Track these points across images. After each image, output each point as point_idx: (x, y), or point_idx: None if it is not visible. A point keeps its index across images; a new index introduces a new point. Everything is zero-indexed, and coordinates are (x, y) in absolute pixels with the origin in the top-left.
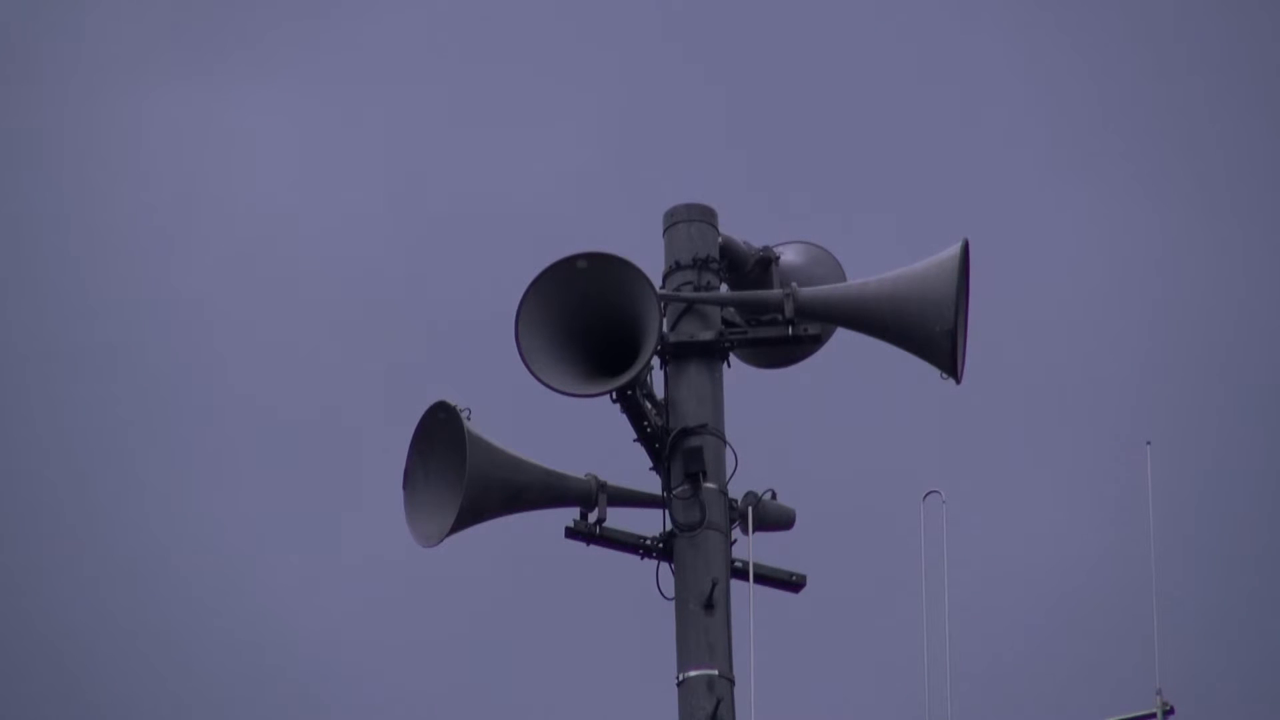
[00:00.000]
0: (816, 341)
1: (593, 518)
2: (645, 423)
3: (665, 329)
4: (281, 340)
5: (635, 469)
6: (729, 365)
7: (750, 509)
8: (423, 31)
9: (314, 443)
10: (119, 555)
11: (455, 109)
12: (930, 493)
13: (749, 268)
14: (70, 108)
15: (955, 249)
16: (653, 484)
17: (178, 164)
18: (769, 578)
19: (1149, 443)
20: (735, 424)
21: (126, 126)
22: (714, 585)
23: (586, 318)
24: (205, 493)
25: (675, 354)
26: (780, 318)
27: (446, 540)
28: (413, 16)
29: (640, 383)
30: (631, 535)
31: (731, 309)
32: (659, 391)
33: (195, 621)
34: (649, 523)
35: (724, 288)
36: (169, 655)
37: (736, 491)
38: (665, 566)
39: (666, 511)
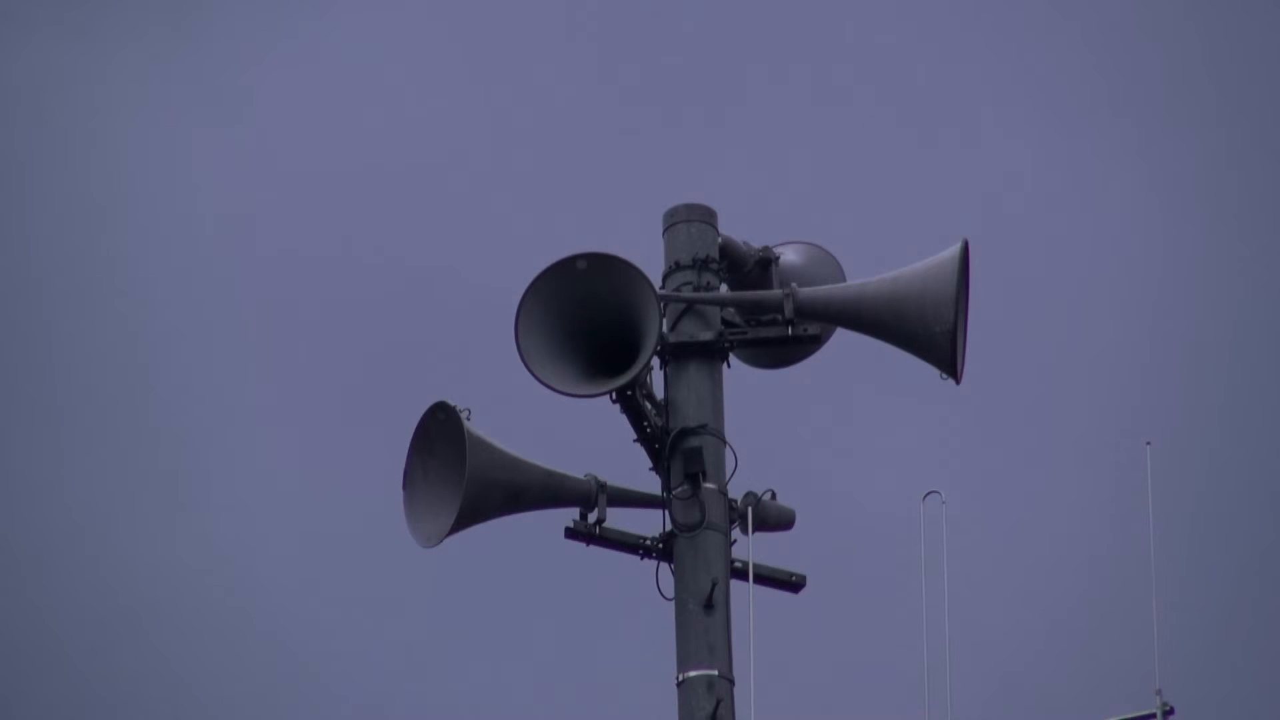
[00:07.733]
0: (816, 341)
1: (592, 518)
2: (645, 423)
3: (665, 329)
4: (267, 332)
5: (635, 469)
6: (729, 365)
7: (750, 509)
8: (414, 25)
9: (314, 441)
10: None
11: (454, 108)
12: (930, 493)
13: (749, 268)
14: None
15: (955, 249)
16: (653, 484)
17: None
18: (769, 578)
19: (1149, 443)
20: (735, 424)
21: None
22: (714, 585)
23: (586, 318)
24: (212, 502)
25: (675, 354)
26: (780, 318)
27: (446, 540)
28: (410, 10)
29: (640, 383)
30: (631, 535)
31: (731, 309)
32: (659, 392)
33: (198, 624)
34: (649, 523)
35: (724, 288)
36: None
37: (736, 491)
38: (665, 567)
39: (666, 512)
